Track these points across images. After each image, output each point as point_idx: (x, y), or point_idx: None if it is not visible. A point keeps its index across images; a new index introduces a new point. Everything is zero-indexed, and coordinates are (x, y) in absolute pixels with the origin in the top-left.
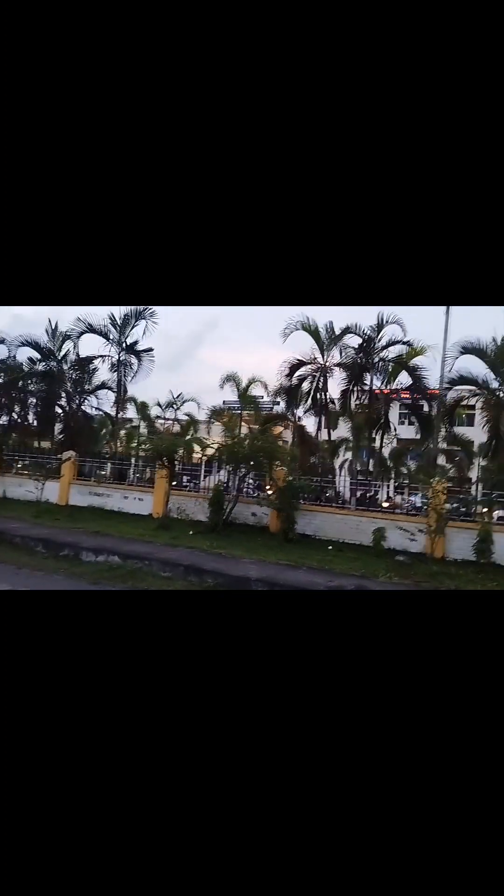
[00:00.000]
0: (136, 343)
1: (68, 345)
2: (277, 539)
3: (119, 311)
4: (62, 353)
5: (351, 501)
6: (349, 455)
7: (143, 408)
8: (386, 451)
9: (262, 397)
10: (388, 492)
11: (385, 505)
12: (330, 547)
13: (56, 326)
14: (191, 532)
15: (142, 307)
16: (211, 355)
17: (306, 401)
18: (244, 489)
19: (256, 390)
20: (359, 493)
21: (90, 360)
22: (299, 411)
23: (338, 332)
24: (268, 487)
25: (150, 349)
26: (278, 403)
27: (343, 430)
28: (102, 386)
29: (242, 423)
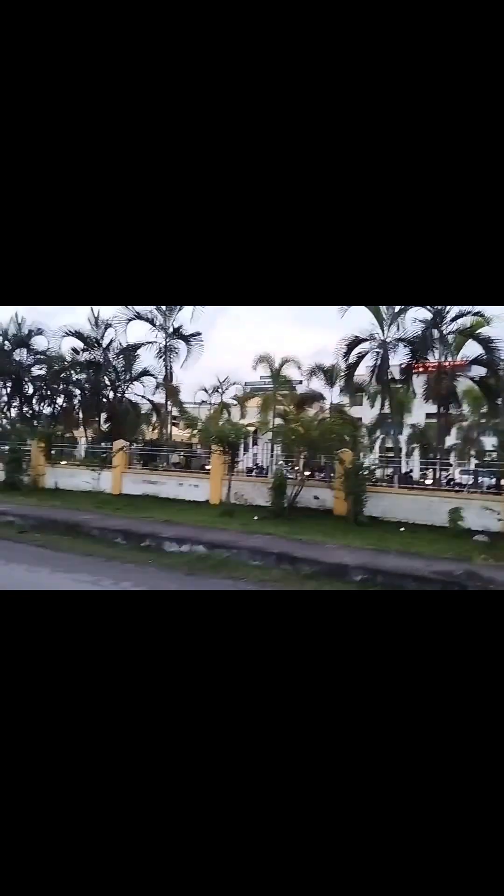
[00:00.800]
0: (181, 328)
1: (111, 333)
2: (346, 522)
3: None
4: (106, 341)
5: (394, 480)
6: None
7: (174, 393)
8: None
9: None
10: (420, 469)
11: (429, 483)
12: (402, 529)
13: (98, 314)
14: (255, 518)
15: None
16: (224, 335)
17: (370, 380)
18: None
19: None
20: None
21: (136, 347)
22: (335, 390)
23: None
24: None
25: (198, 333)
26: (301, 383)
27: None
28: (145, 373)
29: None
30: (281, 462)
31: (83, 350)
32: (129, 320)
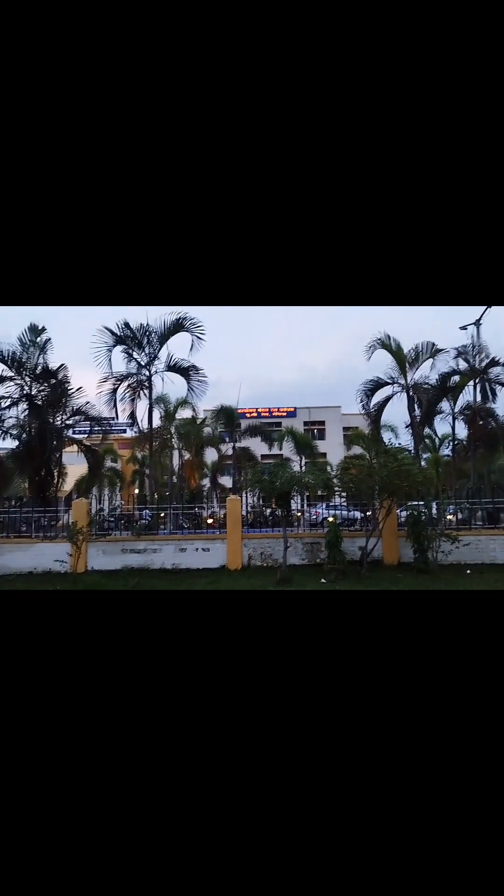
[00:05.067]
0: (172, 359)
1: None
2: (408, 571)
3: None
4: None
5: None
6: None
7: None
8: None
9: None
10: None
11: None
12: (468, 571)
13: (41, 329)
14: (322, 580)
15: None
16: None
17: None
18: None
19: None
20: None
21: (122, 378)
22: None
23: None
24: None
25: (196, 367)
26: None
27: None
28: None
29: None
30: (329, 512)
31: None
32: (110, 347)
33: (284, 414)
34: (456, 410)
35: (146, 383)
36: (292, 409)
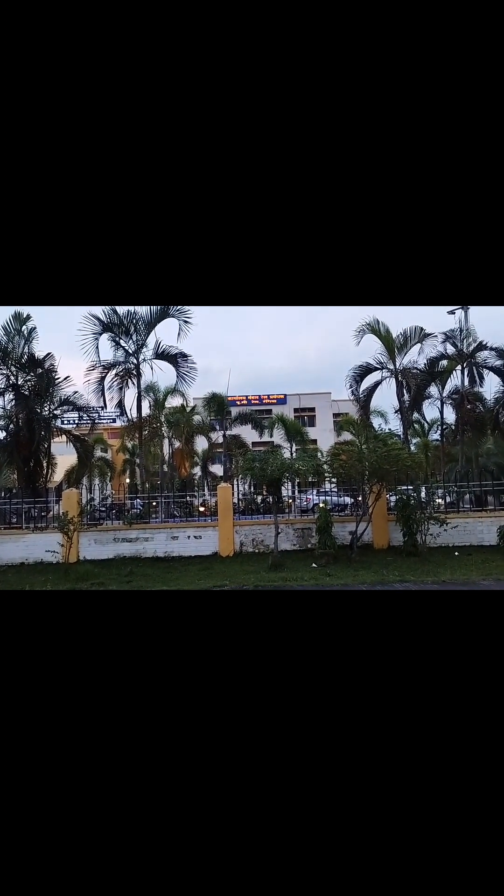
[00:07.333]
0: (160, 347)
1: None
2: (398, 554)
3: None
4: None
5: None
6: None
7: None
8: None
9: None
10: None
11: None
12: (456, 553)
13: (25, 317)
14: (313, 564)
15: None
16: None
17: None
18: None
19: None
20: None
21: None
22: None
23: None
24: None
25: (185, 354)
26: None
27: None
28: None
29: None
30: (320, 498)
31: None
32: (97, 335)
33: (275, 401)
34: (444, 395)
35: (134, 371)
36: (282, 396)
